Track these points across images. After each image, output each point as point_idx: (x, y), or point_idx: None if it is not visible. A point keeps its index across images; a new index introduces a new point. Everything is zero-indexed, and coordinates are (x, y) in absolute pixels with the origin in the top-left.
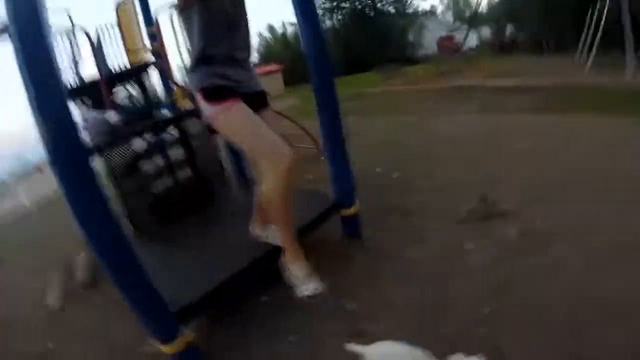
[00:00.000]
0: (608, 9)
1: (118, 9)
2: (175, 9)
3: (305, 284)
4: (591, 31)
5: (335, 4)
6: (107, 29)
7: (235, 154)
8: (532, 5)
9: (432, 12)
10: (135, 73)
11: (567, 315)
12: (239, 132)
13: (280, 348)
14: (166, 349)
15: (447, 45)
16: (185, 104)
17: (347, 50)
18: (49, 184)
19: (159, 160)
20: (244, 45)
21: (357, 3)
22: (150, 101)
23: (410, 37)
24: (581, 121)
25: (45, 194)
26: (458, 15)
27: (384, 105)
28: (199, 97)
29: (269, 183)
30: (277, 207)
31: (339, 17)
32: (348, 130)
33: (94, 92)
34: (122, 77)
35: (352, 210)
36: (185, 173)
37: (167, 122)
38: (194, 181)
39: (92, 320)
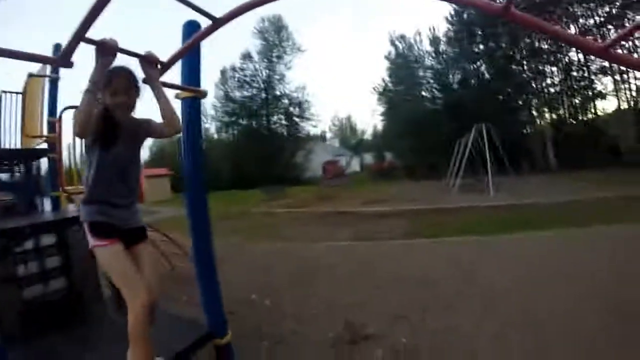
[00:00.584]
0: (473, 141)
1: (28, 83)
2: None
3: None
4: (458, 159)
5: (233, 119)
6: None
7: None
8: (408, 137)
9: (321, 138)
10: (26, 157)
11: None
12: (109, 268)
13: None
14: None
15: (332, 169)
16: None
17: (235, 165)
18: None
19: (33, 265)
20: (130, 192)
21: (253, 121)
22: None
23: (298, 159)
24: (445, 242)
25: None
26: (344, 143)
27: (264, 228)
28: (85, 228)
29: (129, 319)
30: (134, 345)
31: (234, 131)
32: (226, 253)
33: None
34: (13, 156)
35: (224, 341)
36: (58, 283)
37: (49, 225)
38: (66, 293)
39: None
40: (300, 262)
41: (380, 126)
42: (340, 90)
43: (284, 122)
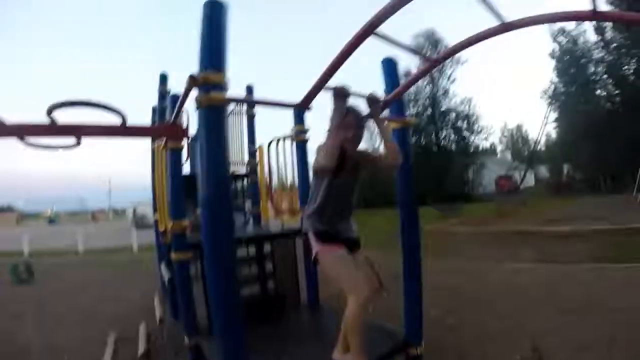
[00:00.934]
0: None
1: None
2: (313, 171)
3: None
4: None
5: None
6: None
7: (312, 279)
8: (587, 147)
9: (491, 151)
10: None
11: None
12: (334, 269)
13: None
14: None
15: (505, 185)
16: (283, 220)
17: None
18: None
19: (249, 269)
20: (350, 209)
21: (421, 138)
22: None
23: (470, 175)
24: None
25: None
26: (516, 155)
27: (441, 246)
28: (312, 237)
29: (349, 311)
30: (352, 333)
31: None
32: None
33: None
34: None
35: (419, 350)
36: (269, 284)
37: (268, 237)
38: (273, 293)
39: None
40: (484, 282)
41: (554, 134)
42: (507, 99)
43: (452, 136)
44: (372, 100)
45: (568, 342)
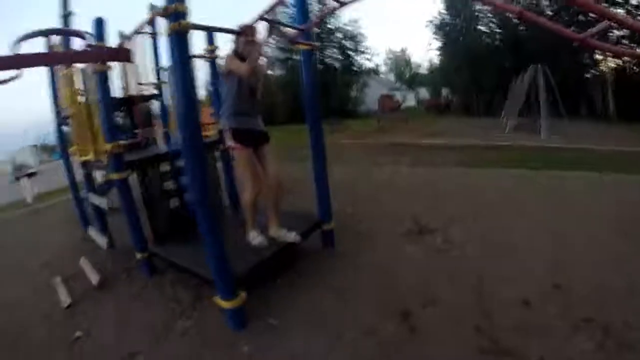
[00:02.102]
0: (529, 81)
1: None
2: (224, 75)
3: (255, 239)
4: (513, 98)
5: (286, 55)
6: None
7: (231, 182)
8: (464, 73)
9: (375, 71)
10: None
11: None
12: (240, 164)
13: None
14: (227, 304)
15: (387, 104)
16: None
17: (290, 100)
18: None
19: (172, 182)
20: (256, 105)
21: None
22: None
23: (354, 93)
24: (494, 171)
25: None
26: (399, 77)
27: (331, 155)
28: (227, 133)
29: (244, 199)
30: (248, 214)
31: (287, 67)
32: (308, 174)
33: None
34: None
35: (330, 227)
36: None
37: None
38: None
39: (111, 311)
40: (372, 181)
41: (436, 60)
42: (394, 24)
43: (337, 56)
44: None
45: (441, 217)
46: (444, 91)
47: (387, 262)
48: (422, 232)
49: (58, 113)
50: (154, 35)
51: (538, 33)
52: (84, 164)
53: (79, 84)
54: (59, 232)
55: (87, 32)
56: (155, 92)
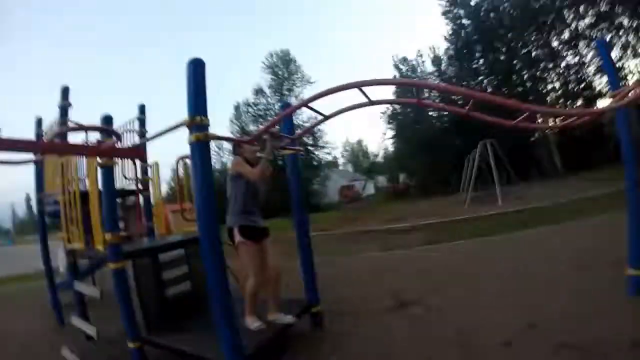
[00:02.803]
0: (479, 155)
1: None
2: (231, 177)
3: (254, 324)
4: (467, 174)
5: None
6: None
7: None
8: (419, 158)
9: (334, 163)
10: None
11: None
12: (245, 257)
13: None
14: None
15: (349, 194)
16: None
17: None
18: None
19: (172, 272)
20: (259, 204)
21: None
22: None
23: (315, 187)
24: (461, 243)
25: None
26: (357, 167)
27: None
28: (236, 231)
29: (249, 287)
30: (248, 301)
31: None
32: (285, 265)
33: None
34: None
35: (319, 308)
36: (185, 286)
37: (186, 242)
38: (192, 292)
39: None
40: (344, 269)
41: (391, 148)
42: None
43: (299, 148)
44: (273, 135)
45: (417, 290)
46: (401, 176)
47: (373, 334)
48: (403, 305)
49: (40, 200)
50: (141, 133)
51: (481, 109)
52: (70, 252)
53: (71, 173)
54: (26, 320)
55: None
56: (140, 187)
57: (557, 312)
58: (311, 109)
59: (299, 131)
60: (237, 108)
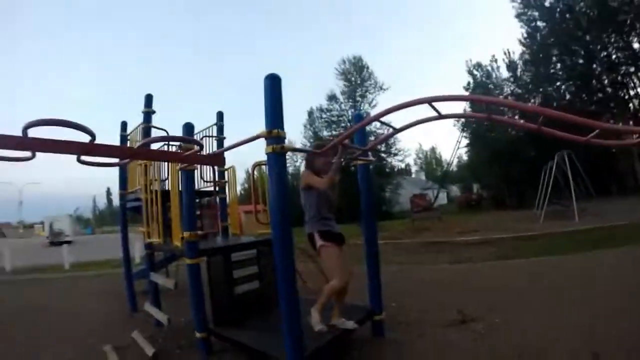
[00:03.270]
0: (556, 168)
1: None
2: (304, 188)
3: (318, 325)
4: (544, 189)
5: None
6: None
7: None
8: (493, 167)
9: (406, 171)
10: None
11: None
12: (329, 259)
13: None
14: None
15: (420, 203)
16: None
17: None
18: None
19: (243, 271)
20: (333, 212)
21: (342, 159)
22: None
23: (387, 194)
24: (528, 261)
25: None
26: (430, 175)
27: None
28: (316, 235)
29: (331, 286)
30: (323, 298)
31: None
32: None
33: None
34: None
35: (381, 317)
36: (254, 285)
37: (258, 244)
38: (260, 291)
39: None
40: (411, 279)
41: (465, 157)
42: (424, 124)
43: (371, 158)
44: (344, 146)
45: (481, 307)
46: (475, 187)
47: (433, 347)
48: (465, 321)
49: (123, 195)
50: (220, 138)
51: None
52: (149, 245)
53: (154, 174)
54: (101, 303)
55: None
56: (217, 189)
57: (623, 343)
58: (382, 122)
59: (372, 140)
60: (310, 114)
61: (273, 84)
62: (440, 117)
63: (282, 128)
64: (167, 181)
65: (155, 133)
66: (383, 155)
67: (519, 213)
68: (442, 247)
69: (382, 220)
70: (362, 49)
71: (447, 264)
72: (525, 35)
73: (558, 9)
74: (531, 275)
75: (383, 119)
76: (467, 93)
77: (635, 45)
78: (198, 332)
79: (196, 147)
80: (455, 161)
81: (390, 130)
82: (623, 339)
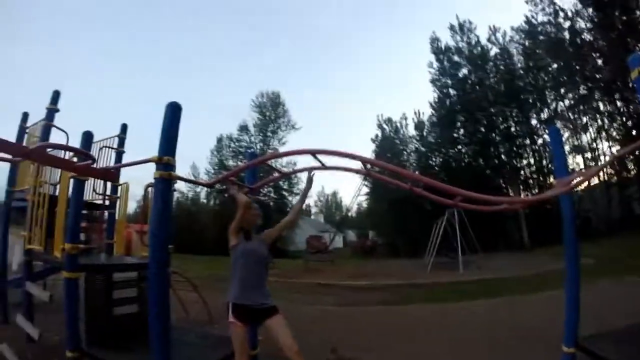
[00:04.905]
0: (446, 221)
1: None
2: (230, 248)
3: None
4: (434, 240)
5: (223, 187)
6: None
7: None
8: (390, 217)
9: (306, 212)
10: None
11: None
12: (234, 339)
13: None
14: None
15: (315, 244)
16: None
17: (221, 231)
18: None
19: (123, 292)
20: (262, 280)
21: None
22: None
23: (284, 233)
24: (412, 307)
25: None
26: (329, 218)
27: None
28: (230, 307)
29: None
30: None
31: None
32: None
33: None
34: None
35: (256, 351)
36: (133, 308)
37: (140, 266)
38: (139, 315)
39: None
40: (296, 318)
41: (365, 204)
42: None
43: (272, 194)
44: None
45: (360, 347)
46: (371, 233)
47: None
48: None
49: (9, 192)
50: (119, 151)
51: (456, 177)
52: (28, 252)
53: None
54: None
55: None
56: (107, 203)
57: None
58: (269, 166)
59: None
60: (219, 140)
61: (173, 113)
62: (324, 168)
63: (173, 156)
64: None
65: (55, 133)
66: (284, 193)
67: (411, 261)
68: (330, 290)
69: (276, 257)
70: (281, 86)
71: (333, 306)
72: (436, 99)
73: (469, 81)
74: (410, 320)
75: (273, 162)
76: (373, 145)
77: (533, 122)
78: (69, 350)
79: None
80: (355, 207)
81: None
82: None
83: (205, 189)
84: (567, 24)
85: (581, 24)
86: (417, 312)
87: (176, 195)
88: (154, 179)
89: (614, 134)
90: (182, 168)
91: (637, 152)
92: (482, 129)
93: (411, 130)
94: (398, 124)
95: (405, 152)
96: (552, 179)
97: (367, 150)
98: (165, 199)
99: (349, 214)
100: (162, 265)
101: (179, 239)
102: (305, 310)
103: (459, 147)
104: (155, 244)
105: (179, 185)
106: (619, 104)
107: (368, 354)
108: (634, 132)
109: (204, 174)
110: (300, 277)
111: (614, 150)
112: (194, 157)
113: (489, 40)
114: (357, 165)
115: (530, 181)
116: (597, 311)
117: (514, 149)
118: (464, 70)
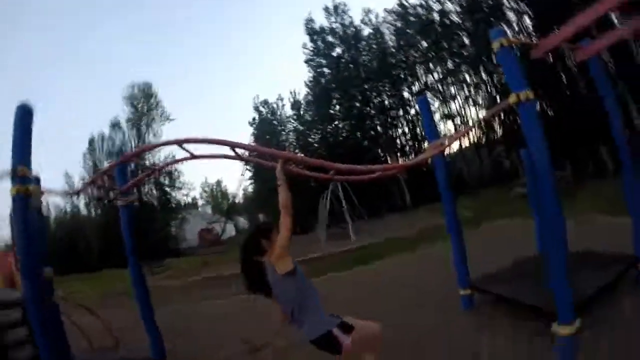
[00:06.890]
0: (331, 194)
1: None
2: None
3: None
4: (321, 213)
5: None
6: None
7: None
8: (276, 198)
9: (193, 205)
10: None
11: None
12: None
13: None
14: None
15: (208, 237)
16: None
17: (105, 242)
18: None
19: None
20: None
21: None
22: None
23: (173, 230)
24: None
25: None
26: (217, 208)
27: (156, 299)
28: (338, 332)
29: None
30: None
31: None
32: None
33: None
34: None
35: None
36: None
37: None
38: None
39: None
40: (195, 317)
41: (250, 188)
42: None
43: (154, 192)
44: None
45: (268, 332)
46: (261, 217)
47: None
48: (254, 350)
49: None
50: None
51: (336, 151)
52: None
53: None
54: None
55: None
56: None
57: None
58: (137, 163)
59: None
60: (91, 142)
61: (23, 116)
62: (193, 157)
63: (30, 166)
64: None
65: None
66: (167, 189)
67: (304, 238)
68: (225, 282)
69: (171, 257)
70: (153, 76)
71: (229, 298)
72: (311, 78)
73: (343, 59)
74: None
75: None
76: (251, 128)
77: (405, 94)
78: None
79: None
80: (241, 193)
81: (153, 168)
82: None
83: (86, 199)
84: (437, 7)
85: (449, 6)
86: (319, 285)
87: (52, 210)
88: (11, 197)
89: (480, 102)
90: (54, 179)
91: (501, 116)
92: (357, 104)
93: (288, 111)
94: (275, 105)
95: (283, 132)
96: (425, 144)
97: (247, 134)
98: (27, 220)
99: (236, 201)
100: (39, 297)
101: (62, 258)
102: (202, 307)
103: (336, 122)
104: (27, 272)
105: (56, 199)
106: (484, 76)
107: (276, 339)
108: (498, 99)
109: (80, 182)
110: (198, 274)
111: (480, 115)
112: (67, 164)
113: (362, 21)
114: (227, 150)
115: (407, 148)
116: (482, 256)
117: (389, 120)
118: (338, 50)
